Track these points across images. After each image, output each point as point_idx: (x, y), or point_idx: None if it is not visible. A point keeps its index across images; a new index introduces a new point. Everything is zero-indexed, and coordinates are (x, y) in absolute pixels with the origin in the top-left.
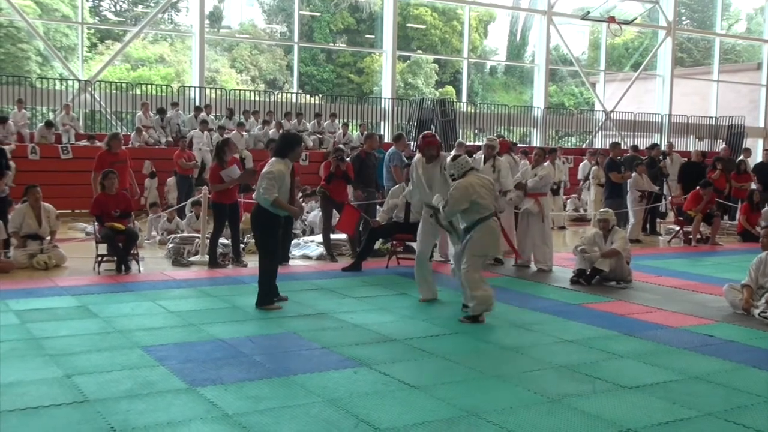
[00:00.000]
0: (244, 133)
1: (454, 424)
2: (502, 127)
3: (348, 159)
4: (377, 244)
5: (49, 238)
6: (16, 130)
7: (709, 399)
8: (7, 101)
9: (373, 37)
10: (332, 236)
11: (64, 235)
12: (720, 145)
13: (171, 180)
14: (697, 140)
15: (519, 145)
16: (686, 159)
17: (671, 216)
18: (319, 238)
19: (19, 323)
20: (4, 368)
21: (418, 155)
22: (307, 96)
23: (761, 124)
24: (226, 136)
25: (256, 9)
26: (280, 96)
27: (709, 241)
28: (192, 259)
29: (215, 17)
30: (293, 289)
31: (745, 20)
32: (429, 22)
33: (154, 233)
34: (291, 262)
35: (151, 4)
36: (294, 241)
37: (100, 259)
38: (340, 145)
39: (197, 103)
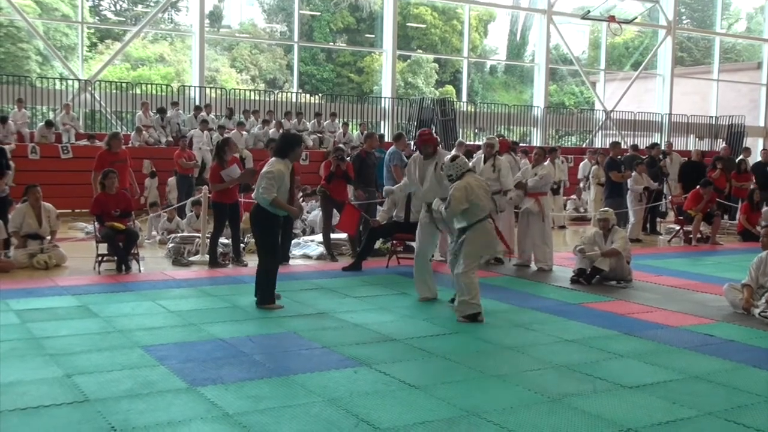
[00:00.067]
0: (244, 133)
1: (454, 423)
2: (502, 126)
3: (348, 158)
4: (377, 244)
5: (49, 237)
6: (16, 129)
7: (710, 398)
8: (7, 101)
9: (373, 36)
10: (332, 236)
11: (64, 234)
12: (720, 145)
13: (172, 180)
14: (697, 139)
15: (520, 144)
16: (686, 158)
17: (671, 215)
18: (320, 237)
19: (20, 323)
20: (4, 368)
21: (416, 152)
22: (307, 95)
23: (761, 124)
24: (226, 135)
25: (256, 8)
26: (280, 95)
27: (709, 241)
28: (192, 258)
29: (215, 17)
30: (293, 288)
31: (745, 19)
32: (429, 22)
33: (154, 233)
34: (291, 261)
35: (151, 4)
36: (294, 241)
37: (100, 258)
38: (341, 145)
39: (197, 103)
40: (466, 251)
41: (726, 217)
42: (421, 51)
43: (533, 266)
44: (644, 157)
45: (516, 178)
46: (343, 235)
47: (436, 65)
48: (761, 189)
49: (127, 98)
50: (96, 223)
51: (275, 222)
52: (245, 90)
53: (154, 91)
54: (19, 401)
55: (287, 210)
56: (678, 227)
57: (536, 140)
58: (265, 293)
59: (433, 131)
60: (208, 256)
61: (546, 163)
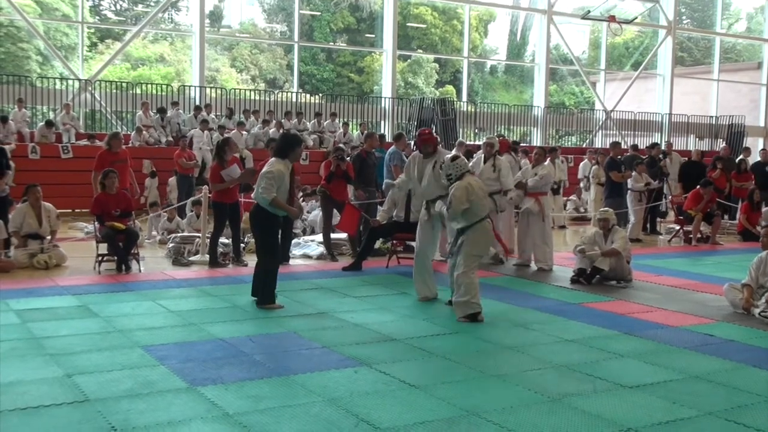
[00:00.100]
0: (245, 133)
1: (454, 423)
2: (503, 126)
3: (348, 158)
4: (377, 244)
5: (49, 237)
6: (17, 129)
7: (710, 398)
8: (8, 100)
9: (373, 36)
10: (332, 236)
11: (64, 234)
12: (720, 145)
13: (172, 180)
14: (697, 139)
15: (520, 144)
16: (686, 158)
17: (671, 215)
18: (320, 237)
19: (20, 323)
20: (4, 368)
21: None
22: (308, 95)
23: (761, 124)
24: (226, 135)
25: (256, 8)
26: (280, 95)
27: (709, 241)
28: (192, 258)
29: (215, 16)
30: (293, 288)
31: (745, 19)
32: (429, 22)
33: (154, 233)
34: (291, 261)
35: (152, 4)
36: (294, 241)
37: (100, 258)
38: (341, 145)
39: (197, 103)
40: (466, 251)
41: (726, 217)
42: (421, 51)
43: (533, 266)
44: (644, 157)
45: (516, 178)
46: (343, 235)
47: (437, 65)
48: (761, 189)
49: (127, 98)
50: (96, 223)
51: (275, 222)
52: (245, 90)
53: (154, 91)
54: (20, 401)
55: (287, 210)
56: (678, 227)
57: (536, 140)
58: (266, 293)
59: (434, 131)
60: (208, 255)
61: (546, 163)
